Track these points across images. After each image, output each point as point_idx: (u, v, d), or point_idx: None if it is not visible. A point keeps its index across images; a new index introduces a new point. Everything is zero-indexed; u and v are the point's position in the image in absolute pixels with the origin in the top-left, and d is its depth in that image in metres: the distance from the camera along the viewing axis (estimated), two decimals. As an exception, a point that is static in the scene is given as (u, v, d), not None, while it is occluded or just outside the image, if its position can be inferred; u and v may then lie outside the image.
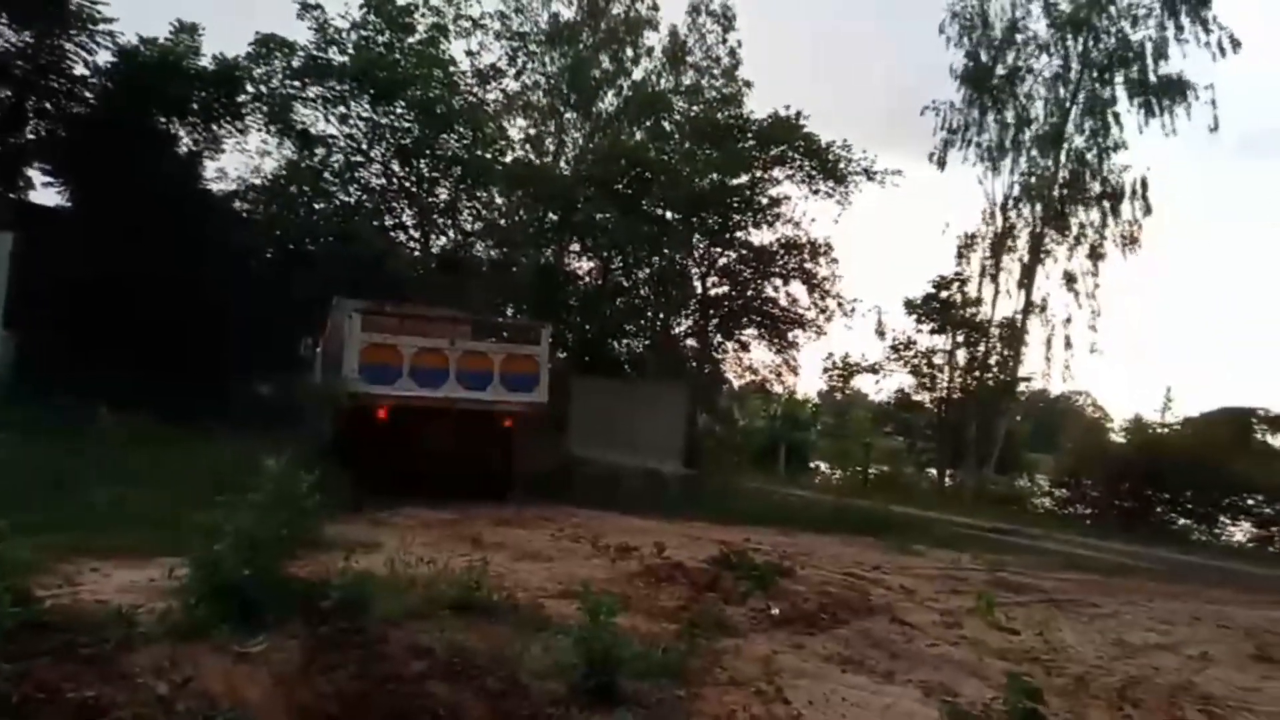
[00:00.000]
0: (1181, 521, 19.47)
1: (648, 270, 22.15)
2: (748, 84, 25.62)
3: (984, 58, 25.01)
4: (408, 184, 21.41)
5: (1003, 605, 8.64)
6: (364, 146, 20.91)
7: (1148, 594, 10.58)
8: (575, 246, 22.91)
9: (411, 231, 21.92)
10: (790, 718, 4.71)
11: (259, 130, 20.71)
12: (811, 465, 28.93)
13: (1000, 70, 24.93)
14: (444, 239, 22.31)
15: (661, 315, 22.60)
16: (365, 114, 20.53)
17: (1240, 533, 18.99)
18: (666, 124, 23.84)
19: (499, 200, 22.46)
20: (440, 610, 5.48)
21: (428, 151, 20.69)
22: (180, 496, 8.70)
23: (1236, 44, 22.06)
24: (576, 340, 21.88)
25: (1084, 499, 21.48)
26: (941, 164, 25.46)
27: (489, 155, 21.37)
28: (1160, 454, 19.66)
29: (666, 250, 21.35)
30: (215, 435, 13.21)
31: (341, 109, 20.40)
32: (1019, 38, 24.71)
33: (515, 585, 7.01)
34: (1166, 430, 21.60)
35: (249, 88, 20.16)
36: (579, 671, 4.57)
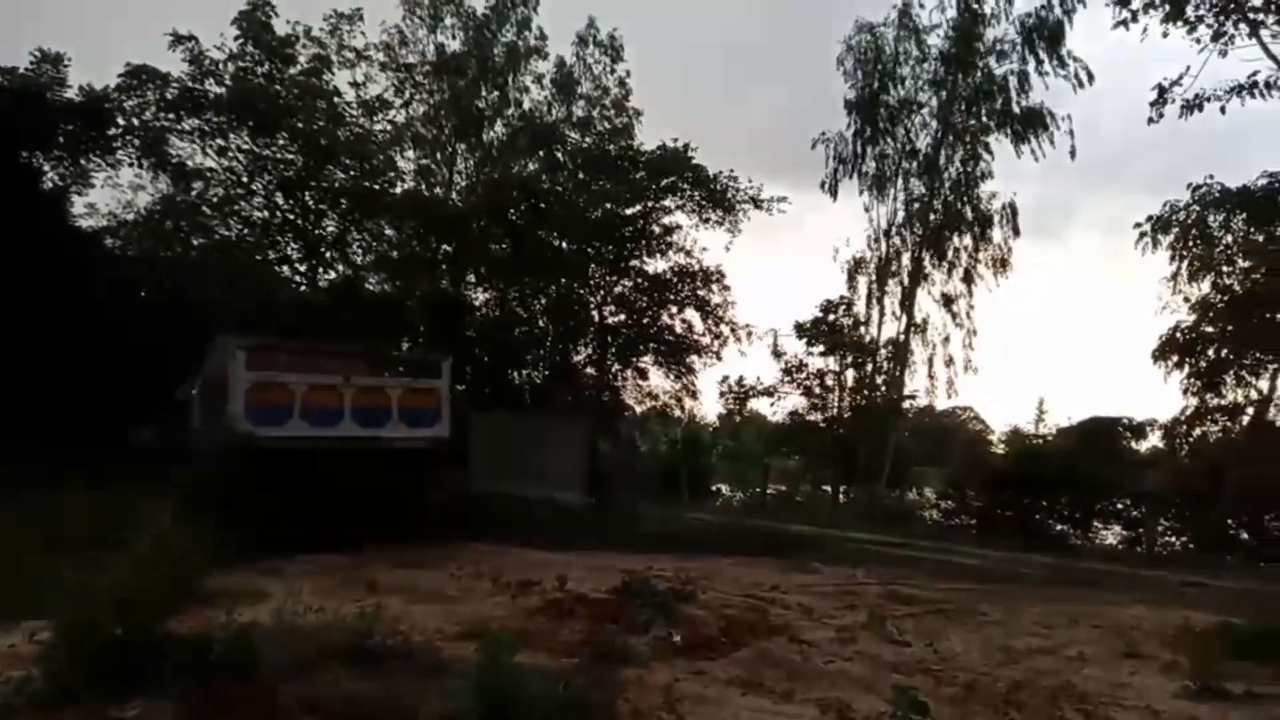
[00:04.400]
0: (1058, 527, 20.56)
1: (544, 300, 22.17)
2: (638, 114, 26.09)
3: (875, 89, 26.14)
4: (292, 217, 20.82)
5: (895, 618, 8.95)
6: (244, 179, 20.26)
7: (1029, 599, 11.11)
8: (471, 277, 22.75)
9: (298, 265, 21.30)
10: (692, 746, 4.75)
11: (131, 164, 19.82)
12: (713, 489, 29.28)
13: (889, 101, 26.12)
14: (333, 273, 21.78)
15: (560, 345, 22.62)
16: (245, 146, 19.92)
17: (1111, 535, 20.17)
18: (559, 154, 23.99)
19: (389, 232, 22.10)
20: (332, 660, 5.30)
21: (313, 184, 20.22)
22: (46, 554, 8.14)
23: (1091, 76, 23.87)
24: (475, 372, 21.66)
25: (968, 509, 22.46)
26: (833, 192, 26.52)
27: (377, 187, 21.04)
28: (1035, 463, 20.79)
29: (563, 280, 21.44)
30: (87, 486, 12.41)
31: (219, 141, 19.74)
32: (905, 72, 26.02)
33: (412, 629, 6.85)
34: (1041, 440, 22.87)
35: (119, 120, 19.28)
36: (477, 717, 4.49)
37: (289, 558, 10.55)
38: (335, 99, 20.93)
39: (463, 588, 9.54)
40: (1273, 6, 8.09)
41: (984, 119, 24.76)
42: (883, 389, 26.30)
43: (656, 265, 21.72)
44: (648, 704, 5.50)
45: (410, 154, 25.27)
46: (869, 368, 26.40)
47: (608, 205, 21.12)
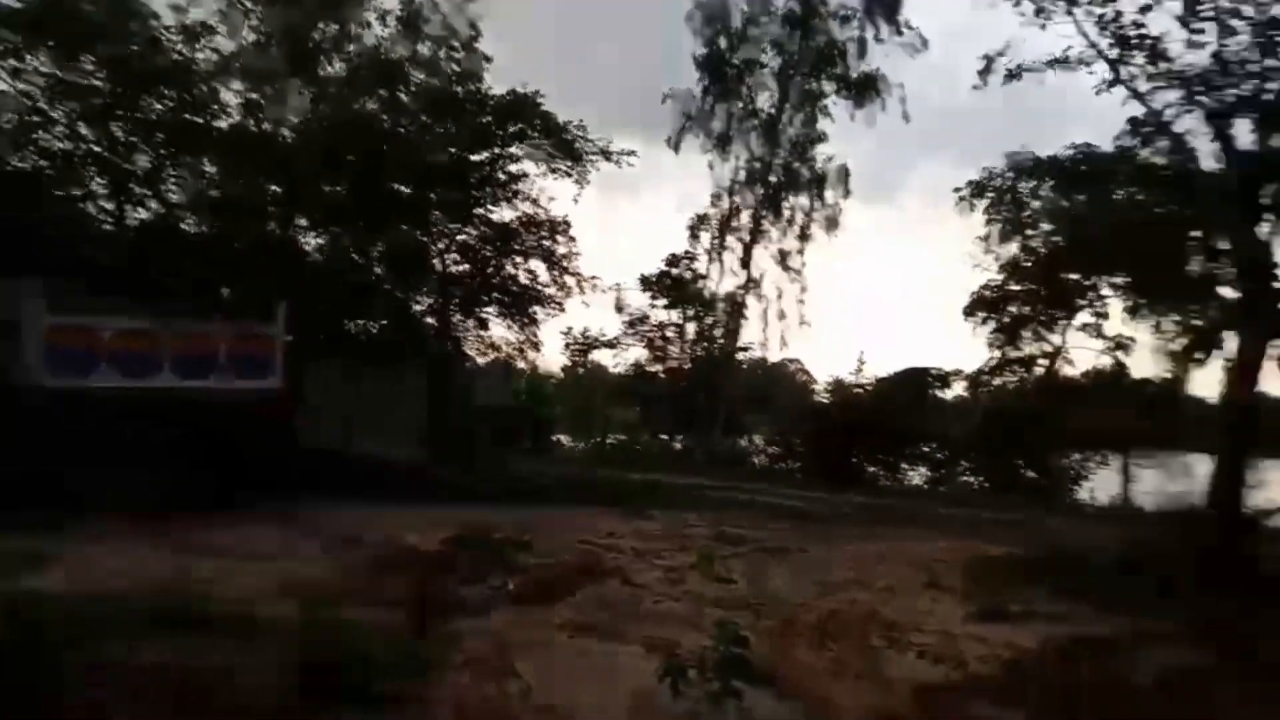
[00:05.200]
0: (873, 470, 22.11)
1: (384, 247, 21.25)
2: (487, 59, 25.17)
3: (722, 49, 26.42)
4: (99, 149, 18.82)
5: (722, 558, 9.41)
6: (42, 105, 18.07)
7: (846, 537, 11.96)
8: (303, 221, 21.45)
9: (104, 203, 19.34)
10: (520, 691, 4.84)
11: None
12: (555, 440, 29.44)
13: (735, 60, 26.48)
14: (143, 211, 19.92)
15: (400, 294, 21.82)
16: (45, 69, 17.71)
17: (919, 476, 21.91)
18: (402, 95, 22.85)
19: (212, 170, 20.42)
20: (137, 626, 4.99)
21: (123, 114, 18.30)
22: None
23: (925, 43, 25.04)
24: (309, 322, 20.55)
25: (794, 455, 23.74)
26: (677, 148, 26.78)
27: (199, 120, 19.31)
28: (852, 411, 22.21)
29: (404, 226, 20.60)
30: None
31: (13, 62, 17.44)
32: (752, 32, 26.39)
33: (228, 590, 6.54)
34: (859, 390, 24.31)
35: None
36: (297, 675, 4.37)
37: (94, 520, 9.73)
38: (152, 22, 18.92)
39: (287, 546, 9.17)
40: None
41: (824, 82, 25.62)
42: (720, 341, 27.14)
43: (502, 214, 21.24)
44: (480, 653, 5.54)
45: (237, 86, 23.33)
46: (708, 321, 27.14)
47: (452, 150, 20.38)
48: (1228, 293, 10.87)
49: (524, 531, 10.20)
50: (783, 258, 26.86)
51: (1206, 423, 13.61)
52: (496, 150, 20.43)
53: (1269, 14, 7.08)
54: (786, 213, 26.58)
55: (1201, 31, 7.30)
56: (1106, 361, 20.89)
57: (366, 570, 7.89)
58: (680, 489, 16.91)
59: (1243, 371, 7.66)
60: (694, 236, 27.10)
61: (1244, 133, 7.36)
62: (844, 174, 26.27)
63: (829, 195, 26.38)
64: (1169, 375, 19.78)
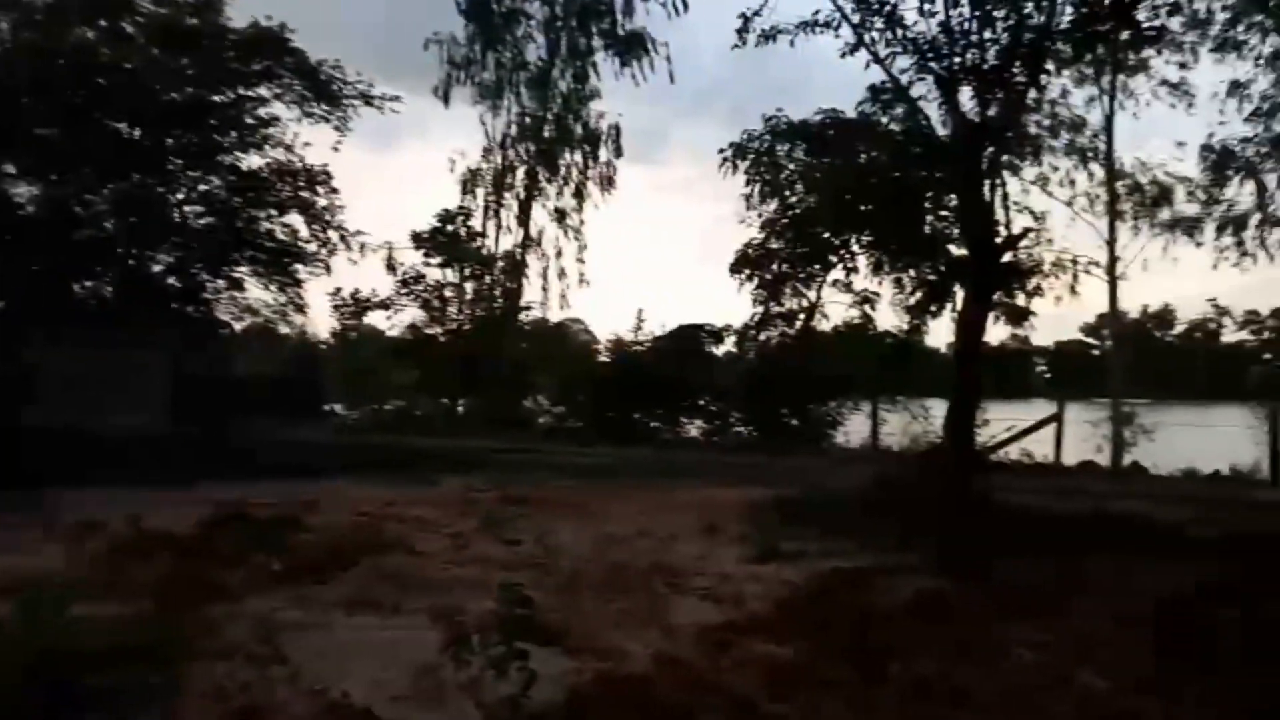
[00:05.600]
0: (653, 425, 22.83)
1: (113, 197, 18.82)
2: (231, -11, 22.80)
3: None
4: None
5: (508, 520, 9.27)
6: None
7: (628, 491, 12.22)
8: (10, 167, 18.50)
9: None
10: (287, 676, 4.46)
11: None
12: (326, 408, 27.82)
13: (500, 8, 25.60)
14: None
15: (135, 250, 19.49)
16: None
17: (695, 429, 22.89)
18: (126, 24, 20.18)
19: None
20: None
21: None
22: None
23: (686, 5, 25.47)
24: (24, 284, 17.88)
25: (578, 414, 23.98)
26: (446, 99, 25.69)
27: None
28: (632, 369, 22.79)
29: (135, 174, 18.34)
30: None
31: None
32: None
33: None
34: (638, 348, 24.93)
35: None
36: (19, 680, 3.77)
37: None
38: None
39: (6, 539, 7.95)
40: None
41: (591, 38, 25.50)
42: (501, 301, 26.71)
43: (251, 161, 19.42)
44: (240, 640, 5.07)
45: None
46: (487, 280, 26.58)
47: (190, 89, 18.35)
48: (958, 251, 12.01)
49: (294, 506, 9.53)
50: (560, 216, 26.80)
51: (945, 369, 15.14)
52: (241, 90, 18.54)
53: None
54: (562, 169, 26.45)
55: (933, 1, 7.92)
56: (855, 314, 22.75)
57: (107, 559, 7.01)
58: (463, 453, 16.55)
59: (967, 324, 8.52)
60: (468, 192, 26.37)
61: (968, 99, 8.07)
62: (616, 132, 26.47)
63: (602, 153, 26.50)
64: (909, 327, 22.03)
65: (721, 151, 21.65)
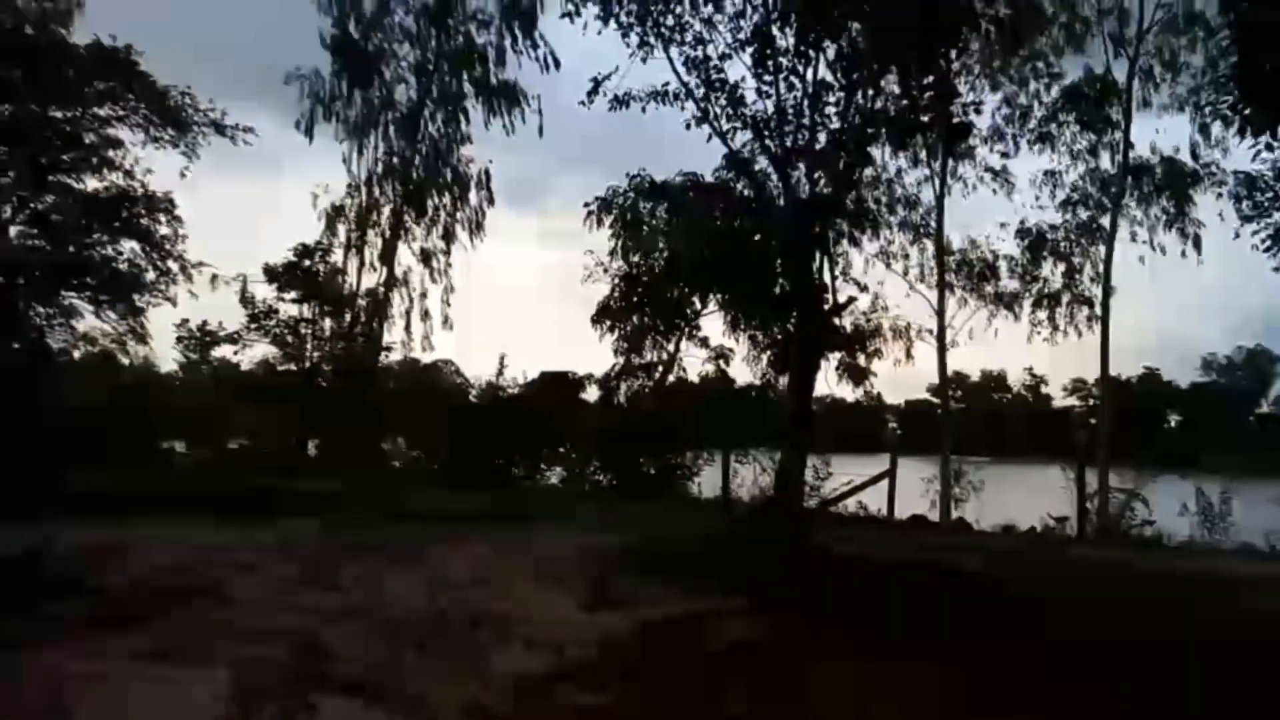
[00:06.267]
0: (513, 470, 22.68)
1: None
2: (79, 3, 21.68)
3: (353, 33, 25.21)
4: None
5: (342, 565, 9.06)
6: None
7: (474, 537, 12.08)
8: None
9: None
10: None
11: None
12: (164, 445, 26.16)
13: (369, 47, 25.42)
14: None
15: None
16: None
17: (555, 476, 22.89)
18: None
19: None
20: None
21: None
22: None
23: (558, 62, 25.97)
24: None
25: (435, 456, 23.56)
26: (309, 133, 25.20)
27: None
28: (493, 413, 22.64)
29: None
30: None
31: None
32: (386, 20, 25.50)
33: None
34: (499, 393, 24.80)
35: None
36: None
37: None
38: None
39: None
40: (680, 28, 9.55)
41: (463, 84, 25.64)
42: (360, 340, 26.07)
43: (89, 184, 18.38)
44: (26, 696, 4.79)
45: None
46: (347, 317, 25.94)
47: (29, 103, 17.28)
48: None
49: (109, 550, 8.99)
50: (426, 257, 26.58)
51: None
52: (81, 110, 17.60)
53: (819, 77, 8.58)
54: (430, 211, 26.30)
55: (771, 82, 8.56)
56: (711, 369, 23.55)
57: None
58: (307, 496, 15.93)
59: (798, 383, 9.07)
60: (330, 228, 25.84)
61: (801, 176, 8.72)
62: (486, 177, 26.61)
63: (473, 198, 26.55)
64: (761, 382, 22.97)
65: (587, 205, 22.19)
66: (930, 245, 23.03)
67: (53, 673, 5.13)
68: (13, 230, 18.30)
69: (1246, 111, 7.72)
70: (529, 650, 6.58)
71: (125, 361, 23.28)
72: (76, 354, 22.08)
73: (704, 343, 22.98)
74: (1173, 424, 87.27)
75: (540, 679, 5.79)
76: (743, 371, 23.32)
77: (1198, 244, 22.45)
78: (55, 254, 18.52)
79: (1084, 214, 22.70)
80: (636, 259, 22.04)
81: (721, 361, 23.11)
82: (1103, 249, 22.16)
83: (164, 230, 19.31)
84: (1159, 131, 22.52)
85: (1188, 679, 5.72)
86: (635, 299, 22.41)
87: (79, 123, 17.71)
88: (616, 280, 22.59)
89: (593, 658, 6.40)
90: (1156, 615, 7.86)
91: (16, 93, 16.98)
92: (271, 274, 23.41)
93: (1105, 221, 22.33)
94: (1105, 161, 22.60)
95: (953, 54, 9.26)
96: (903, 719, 5.28)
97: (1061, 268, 23.00)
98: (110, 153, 18.28)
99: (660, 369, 23.18)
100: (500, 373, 23.82)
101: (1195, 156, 20.58)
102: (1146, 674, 5.95)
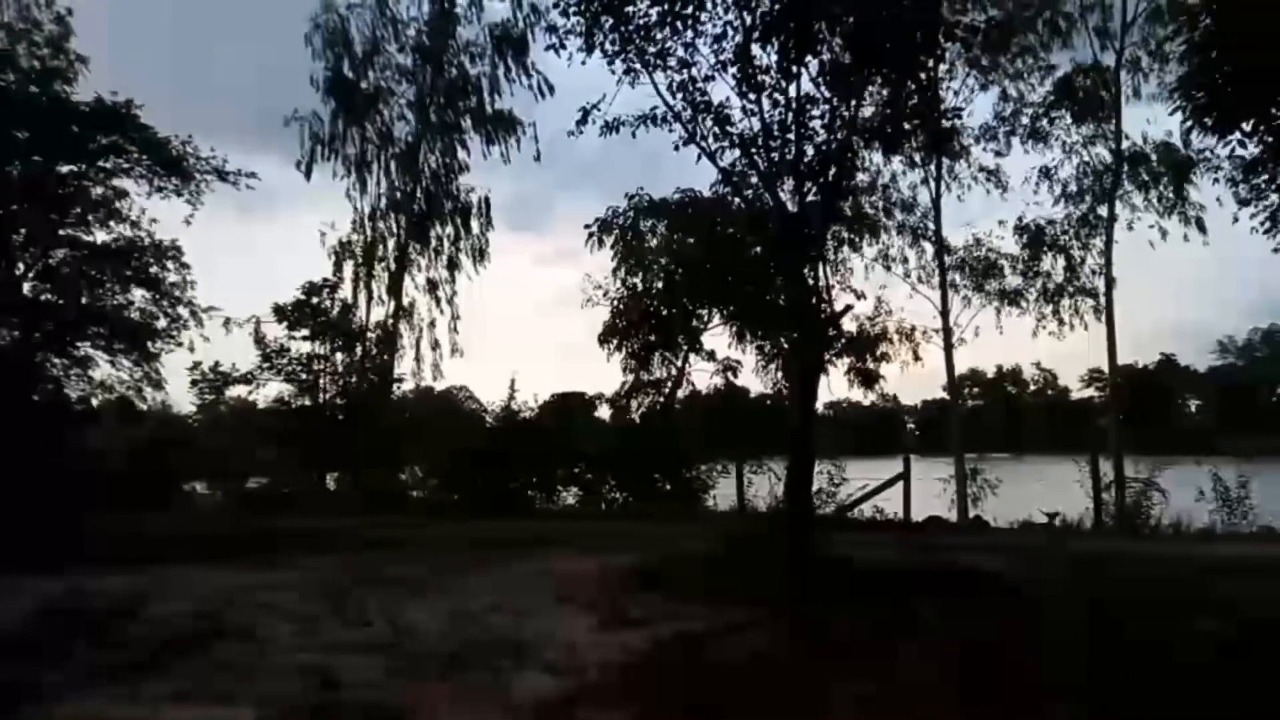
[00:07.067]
0: (530, 494, 22.82)
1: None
2: (82, 59, 22.17)
3: (347, 74, 25.70)
4: None
5: (361, 601, 9.20)
6: None
7: (492, 564, 12.23)
8: None
9: None
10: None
11: None
12: (185, 487, 26.49)
13: (364, 86, 25.90)
14: None
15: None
16: None
17: (571, 496, 23.02)
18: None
19: None
20: None
21: None
22: None
23: (551, 89, 26.36)
24: None
25: (452, 486, 23.73)
26: (309, 173, 25.69)
27: None
28: (507, 437, 22.81)
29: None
30: None
31: None
32: (379, 60, 25.98)
33: None
34: (516, 416, 24.97)
35: None
36: None
37: None
38: None
39: None
40: (663, 54, 9.74)
41: (460, 116, 26.05)
42: (372, 373, 26.36)
43: (98, 236, 18.80)
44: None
45: None
46: (358, 351, 26.25)
47: (37, 159, 17.70)
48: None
49: (134, 596, 9.16)
50: (432, 287, 26.90)
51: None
52: (85, 164, 18.01)
53: (803, 91, 8.76)
54: (434, 241, 26.66)
55: (755, 100, 8.73)
56: (720, 381, 23.69)
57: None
58: (328, 532, 16.13)
59: (800, 390, 9.19)
60: (338, 265, 26.24)
61: (791, 189, 8.87)
62: (485, 205, 26.96)
63: (474, 225, 26.89)
64: (772, 391, 23.09)
65: (588, 226, 22.45)
66: (929, 247, 23.16)
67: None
68: (25, 286, 18.71)
69: (1209, 110, 7.84)
70: (546, 674, 6.69)
71: (142, 407, 23.57)
72: (94, 402, 22.43)
73: (711, 356, 23.15)
74: (1191, 409, 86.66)
75: (557, 702, 5.91)
76: (752, 382, 23.46)
77: (1201, 227, 22.44)
78: (68, 306, 18.92)
79: (1081, 207, 22.77)
80: (638, 278, 22.27)
81: (729, 373, 23.25)
82: (1102, 240, 22.21)
83: (172, 277, 19.75)
84: (1149, 121, 22.64)
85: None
86: (640, 317, 22.59)
87: (85, 177, 18.14)
88: (619, 300, 22.82)
89: (609, 679, 6.50)
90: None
91: (24, 151, 17.41)
92: (281, 313, 23.76)
93: (1103, 212, 22.39)
94: (1099, 152, 22.70)
95: (931, 63, 9.42)
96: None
97: (1062, 261, 23.05)
98: (116, 204, 18.72)
99: (669, 384, 23.32)
100: (512, 396, 24.04)
101: (1187, 144, 20.68)
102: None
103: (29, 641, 7.22)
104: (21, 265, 18.31)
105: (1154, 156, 22.19)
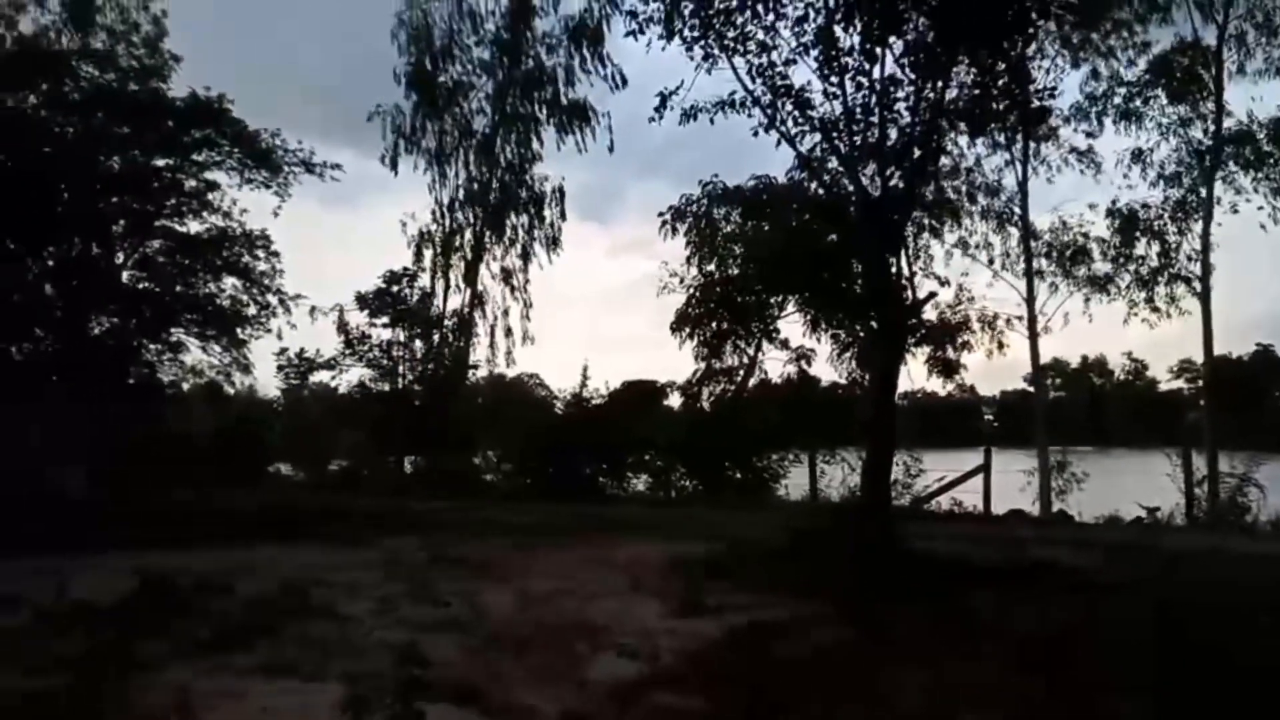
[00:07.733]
0: (602, 480, 22.96)
1: (51, 262, 18.78)
2: (175, 58, 23.12)
3: (428, 68, 26.20)
4: None
5: (440, 581, 9.39)
6: None
7: (564, 548, 12.37)
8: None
9: None
10: (197, 743, 4.60)
11: None
12: (270, 468, 27.48)
13: (444, 81, 26.38)
14: None
15: (73, 316, 19.36)
16: None
17: (641, 483, 23.09)
18: (69, 91, 20.33)
19: None
20: None
21: None
22: None
23: (625, 80, 26.34)
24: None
25: (526, 470, 24.07)
26: (394, 166, 26.32)
27: None
28: (579, 424, 22.99)
29: (78, 239, 18.36)
30: None
31: None
32: (459, 53, 26.40)
33: None
34: (588, 403, 25.16)
35: None
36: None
37: None
38: None
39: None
40: (743, 38, 9.61)
41: (536, 107, 26.30)
42: (448, 359, 26.89)
43: (191, 226, 19.60)
44: (156, 708, 5.17)
45: None
46: (435, 338, 26.80)
47: (136, 154, 18.52)
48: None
49: (223, 573, 9.53)
50: (506, 275, 27.26)
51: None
52: (181, 158, 18.77)
53: (887, 73, 8.53)
54: (509, 231, 26.99)
55: (838, 83, 8.54)
56: (793, 370, 23.38)
57: (24, 633, 7.00)
58: (406, 514, 16.53)
59: (879, 380, 8.99)
60: (417, 254, 26.79)
61: (872, 174, 8.66)
62: (560, 195, 27.16)
63: (548, 214, 27.13)
64: (846, 380, 22.71)
65: (661, 215, 22.39)
66: (1015, 231, 22.37)
67: (182, 691, 5.50)
68: (124, 275, 19.64)
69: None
70: (621, 658, 6.72)
71: (231, 391, 24.53)
72: (185, 386, 23.44)
73: (785, 344, 22.88)
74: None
75: (632, 685, 5.93)
76: (826, 371, 23.09)
77: (1315, 209, 21.06)
78: (163, 293, 19.80)
79: (1179, 189, 21.66)
80: (712, 266, 22.11)
81: (803, 362, 22.94)
82: (1199, 225, 21.13)
83: (262, 266, 20.49)
84: (1255, 100, 21.35)
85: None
86: (713, 305, 22.46)
87: (179, 170, 18.92)
88: (693, 288, 22.72)
89: (682, 665, 6.50)
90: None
91: (123, 146, 18.24)
92: (363, 301, 24.40)
93: (1202, 194, 21.27)
94: (1197, 133, 21.54)
95: (1021, 41, 9.05)
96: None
97: (1156, 247, 22.00)
98: (209, 196, 19.50)
99: (741, 373, 23.15)
100: (584, 384, 24.19)
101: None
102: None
103: (128, 614, 7.56)
104: (121, 255, 19.24)
105: (1261, 135, 20.93)
